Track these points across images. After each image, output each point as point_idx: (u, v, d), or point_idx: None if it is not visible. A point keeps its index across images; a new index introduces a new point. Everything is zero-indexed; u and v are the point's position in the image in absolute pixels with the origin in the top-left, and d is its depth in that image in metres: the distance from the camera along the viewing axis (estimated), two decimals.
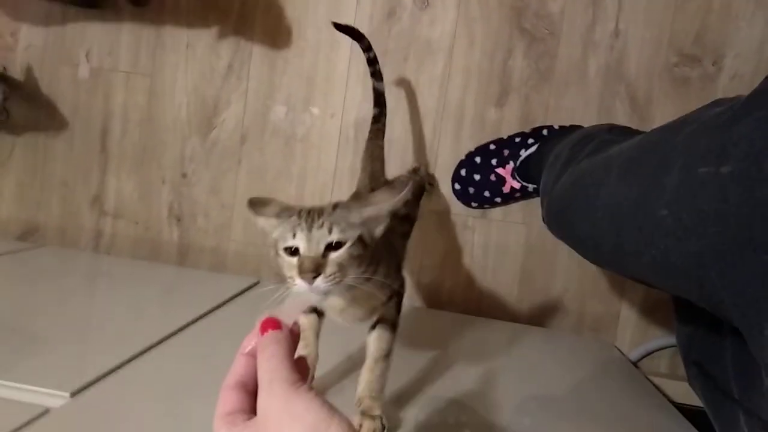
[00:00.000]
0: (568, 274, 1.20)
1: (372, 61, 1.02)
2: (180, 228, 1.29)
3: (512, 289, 1.21)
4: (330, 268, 0.50)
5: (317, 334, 0.64)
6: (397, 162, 1.19)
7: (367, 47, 1.03)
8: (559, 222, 0.72)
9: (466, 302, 1.22)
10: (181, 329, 0.85)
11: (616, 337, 1.20)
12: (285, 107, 1.24)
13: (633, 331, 1.20)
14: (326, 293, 0.51)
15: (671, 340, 1.17)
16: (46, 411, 0.58)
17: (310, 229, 0.52)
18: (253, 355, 0.37)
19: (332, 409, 0.32)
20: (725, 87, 1.13)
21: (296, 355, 0.39)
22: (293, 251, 0.52)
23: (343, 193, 1.23)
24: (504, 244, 1.21)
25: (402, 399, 0.70)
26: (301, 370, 0.36)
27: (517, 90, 1.18)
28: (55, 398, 0.61)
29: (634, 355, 1.17)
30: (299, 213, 0.54)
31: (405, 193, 0.54)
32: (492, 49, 1.18)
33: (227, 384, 0.36)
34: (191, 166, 1.27)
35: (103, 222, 1.30)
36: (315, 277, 0.49)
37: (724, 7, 1.13)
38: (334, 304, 0.60)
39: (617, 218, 0.53)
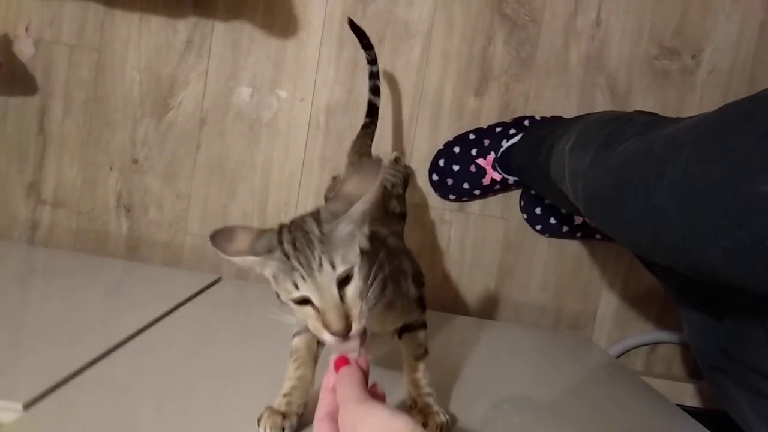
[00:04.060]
0: (546, 270, 1.16)
1: (374, 75, 0.97)
2: (129, 219, 1.17)
3: (489, 285, 1.16)
4: (355, 309, 0.45)
5: (314, 356, 0.57)
6: (373, 150, 1.12)
7: (372, 59, 0.97)
8: (599, 207, 0.64)
9: (442, 299, 1.16)
10: (139, 332, 0.75)
11: (593, 334, 1.17)
12: (250, 89, 1.14)
13: (610, 329, 1.17)
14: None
15: (649, 337, 1.15)
16: None
17: (311, 273, 0.44)
18: (334, 390, 0.43)
19: (396, 409, 0.38)
20: (704, 81, 1.12)
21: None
22: (304, 300, 0.46)
23: (313, 184, 1.15)
24: (482, 239, 1.15)
25: None
26: (375, 395, 0.42)
27: (497, 78, 1.13)
28: (6, 411, 0.53)
29: (611, 352, 1.14)
30: (282, 247, 0.46)
31: (381, 174, 0.46)
32: (472, 35, 1.13)
33: (319, 416, 0.42)
34: (143, 150, 1.15)
35: (41, 211, 1.16)
36: (348, 331, 0.44)
37: (703, 1, 1.12)
38: None
39: (690, 198, 0.46)
